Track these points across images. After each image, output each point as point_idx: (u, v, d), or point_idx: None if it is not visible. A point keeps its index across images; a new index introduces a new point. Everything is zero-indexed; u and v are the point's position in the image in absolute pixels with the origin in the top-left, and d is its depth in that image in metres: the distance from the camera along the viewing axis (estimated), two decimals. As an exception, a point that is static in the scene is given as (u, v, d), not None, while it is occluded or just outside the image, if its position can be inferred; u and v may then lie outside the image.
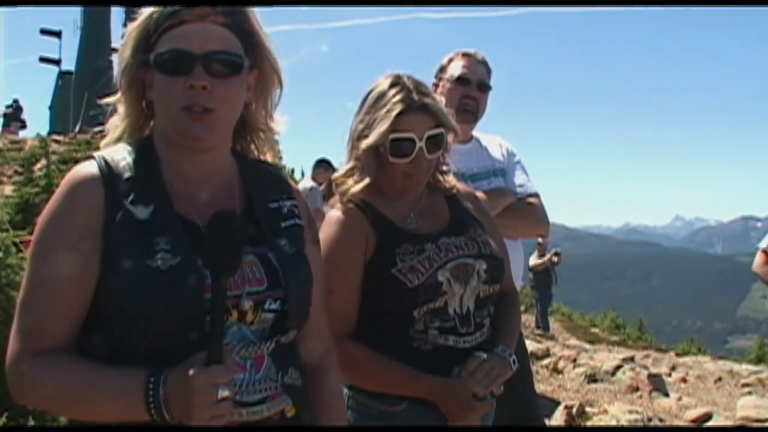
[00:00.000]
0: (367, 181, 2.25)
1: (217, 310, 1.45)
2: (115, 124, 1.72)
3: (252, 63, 1.67)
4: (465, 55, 3.34)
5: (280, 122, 1.82)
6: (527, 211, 3.33)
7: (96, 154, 1.64)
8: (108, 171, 1.58)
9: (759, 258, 5.28)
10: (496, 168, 3.38)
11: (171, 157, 1.65)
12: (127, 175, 1.59)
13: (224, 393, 1.41)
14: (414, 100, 2.18)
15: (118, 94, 1.69)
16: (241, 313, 1.58)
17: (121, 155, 1.63)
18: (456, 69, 3.31)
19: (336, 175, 2.34)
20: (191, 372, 1.40)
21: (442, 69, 3.36)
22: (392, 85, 2.21)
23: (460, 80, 3.29)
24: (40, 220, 1.57)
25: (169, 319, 1.48)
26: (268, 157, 1.85)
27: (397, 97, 2.18)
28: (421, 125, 2.18)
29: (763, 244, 5.28)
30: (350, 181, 2.27)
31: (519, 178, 3.40)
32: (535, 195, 3.39)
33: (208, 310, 1.46)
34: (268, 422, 1.60)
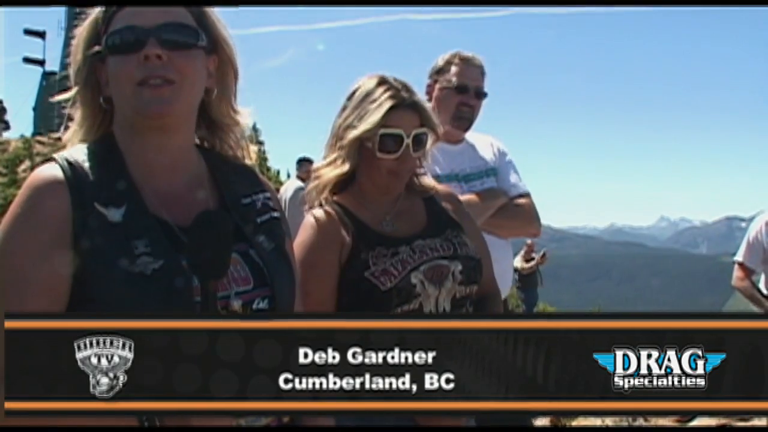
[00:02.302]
0: (345, 168, 2.24)
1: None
2: (74, 129, 1.65)
3: (209, 47, 1.63)
4: (463, 59, 3.34)
5: (245, 114, 1.76)
6: (519, 211, 3.33)
7: (57, 155, 1.55)
8: (72, 173, 1.50)
9: (736, 272, 5.20)
10: (489, 168, 3.38)
11: (135, 149, 1.58)
12: (92, 176, 1.51)
13: None
14: (404, 97, 2.20)
15: (72, 92, 1.64)
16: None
17: (83, 155, 1.55)
18: (454, 75, 3.30)
19: (316, 165, 2.33)
20: None
21: (439, 71, 3.35)
22: (380, 83, 2.22)
23: (458, 89, 3.28)
24: (2, 229, 1.46)
25: None
26: (239, 155, 1.79)
27: (388, 93, 2.19)
28: (410, 122, 2.20)
29: (738, 257, 5.20)
30: (328, 169, 2.27)
31: (511, 178, 3.40)
32: (527, 195, 3.39)
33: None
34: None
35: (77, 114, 1.64)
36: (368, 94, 2.21)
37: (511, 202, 3.31)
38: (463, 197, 3.05)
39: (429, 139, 2.26)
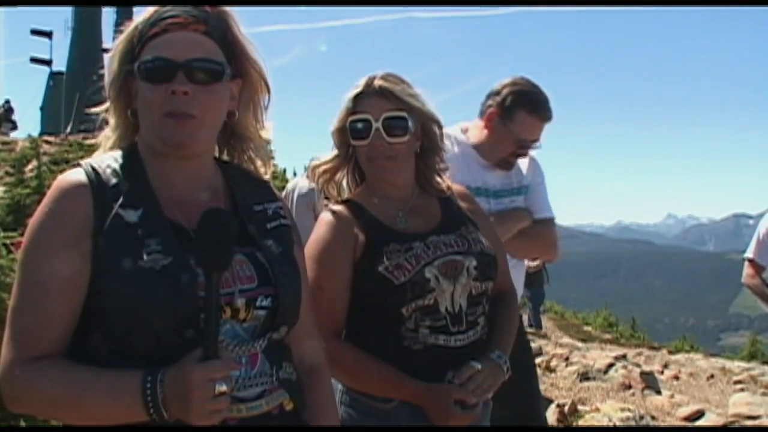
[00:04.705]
0: (334, 153, 2.35)
1: (210, 306, 1.45)
2: (107, 135, 1.76)
3: (235, 72, 1.72)
4: (536, 113, 3.19)
5: (267, 128, 1.86)
6: (539, 236, 3.34)
7: (82, 161, 1.66)
8: (96, 178, 1.60)
9: (747, 269, 5.16)
10: (522, 186, 3.38)
11: (156, 165, 1.68)
12: (114, 180, 1.61)
13: (222, 388, 1.42)
14: (372, 84, 2.25)
15: (107, 104, 1.73)
16: (234, 311, 1.60)
17: (107, 162, 1.65)
18: (520, 127, 3.17)
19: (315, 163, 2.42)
20: (188, 368, 1.42)
21: (503, 106, 3.19)
22: (365, 79, 2.28)
23: (518, 142, 3.21)
24: (29, 227, 1.57)
25: (165, 318, 1.49)
26: (263, 166, 1.88)
27: (358, 83, 2.27)
28: (378, 108, 2.23)
29: (748, 254, 5.17)
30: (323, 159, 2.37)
31: (540, 201, 3.40)
32: (551, 220, 3.40)
33: (202, 307, 1.47)
34: (268, 417, 1.62)
35: (111, 121, 1.75)
36: (351, 90, 2.29)
37: (535, 224, 3.31)
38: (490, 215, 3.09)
39: (411, 122, 2.25)
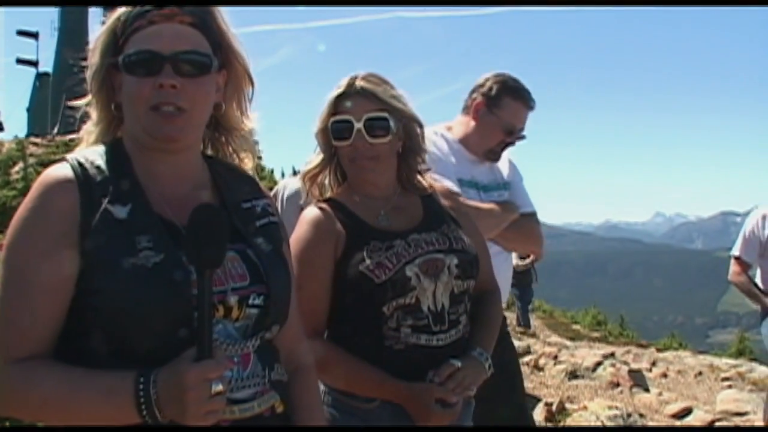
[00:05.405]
0: (321, 156, 2.35)
1: (203, 304, 1.43)
2: (89, 129, 1.73)
3: (221, 63, 1.69)
4: (521, 98, 3.32)
5: (252, 118, 1.84)
6: (527, 228, 3.40)
7: (68, 156, 1.62)
8: (82, 173, 1.56)
9: (733, 267, 5.22)
10: (504, 182, 3.46)
11: (142, 159, 1.64)
12: (101, 176, 1.57)
13: (218, 387, 1.40)
14: (353, 85, 2.25)
15: (89, 97, 1.70)
16: (227, 309, 1.58)
17: (92, 157, 1.61)
18: (507, 114, 3.29)
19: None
20: (183, 368, 1.39)
21: (489, 96, 3.32)
22: (346, 79, 2.28)
23: (506, 130, 3.30)
24: (13, 224, 1.53)
25: (157, 317, 1.47)
26: (247, 158, 1.87)
27: (340, 83, 2.27)
28: (360, 108, 2.23)
29: (735, 252, 5.23)
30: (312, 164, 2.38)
31: (522, 196, 3.48)
32: (535, 214, 3.47)
33: (195, 305, 1.45)
34: (259, 419, 1.61)
35: (93, 115, 1.71)
36: (333, 91, 2.29)
37: (522, 218, 3.37)
38: (485, 205, 3.17)
39: (393, 122, 2.25)
